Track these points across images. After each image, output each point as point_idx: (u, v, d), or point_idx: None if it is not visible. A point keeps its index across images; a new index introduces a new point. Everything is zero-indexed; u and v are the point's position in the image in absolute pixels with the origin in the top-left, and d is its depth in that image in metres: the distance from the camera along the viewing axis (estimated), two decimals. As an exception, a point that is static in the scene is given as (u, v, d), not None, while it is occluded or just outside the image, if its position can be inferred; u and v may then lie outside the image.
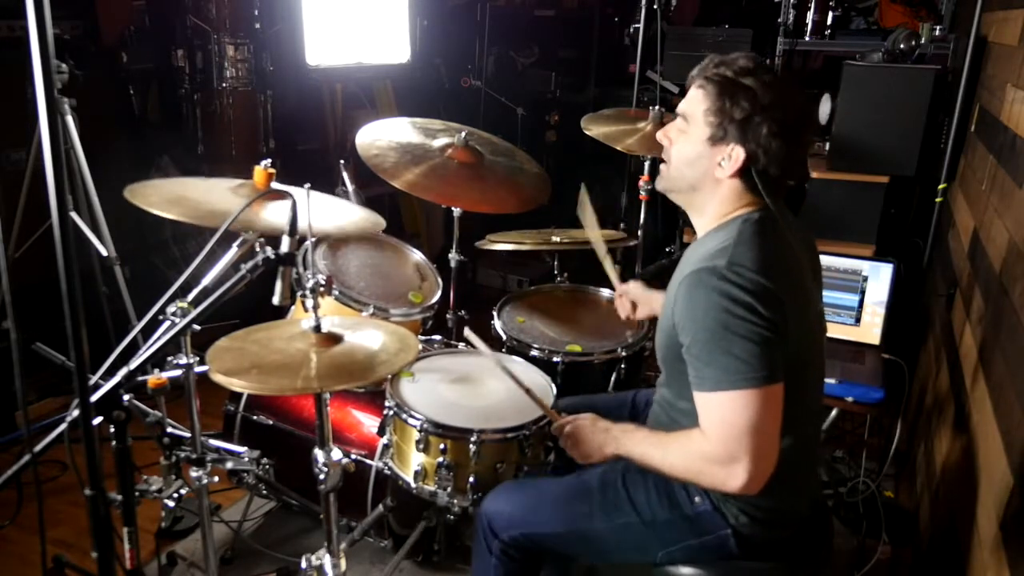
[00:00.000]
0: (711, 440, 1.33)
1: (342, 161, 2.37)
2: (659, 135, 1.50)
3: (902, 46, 3.07)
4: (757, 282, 1.30)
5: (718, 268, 1.31)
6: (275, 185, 1.72)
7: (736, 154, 1.37)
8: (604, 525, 1.53)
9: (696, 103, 1.41)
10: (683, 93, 1.48)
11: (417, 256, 2.46)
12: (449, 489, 1.78)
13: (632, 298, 2.00)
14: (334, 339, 1.49)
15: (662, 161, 1.51)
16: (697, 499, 1.49)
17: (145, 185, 1.68)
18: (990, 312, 1.87)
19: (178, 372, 1.63)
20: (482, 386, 1.97)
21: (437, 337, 2.42)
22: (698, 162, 1.42)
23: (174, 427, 1.65)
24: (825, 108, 3.25)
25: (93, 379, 1.33)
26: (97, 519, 1.29)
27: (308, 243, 1.52)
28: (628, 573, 1.65)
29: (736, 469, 1.30)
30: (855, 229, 2.98)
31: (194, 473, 1.65)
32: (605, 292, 2.55)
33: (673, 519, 1.50)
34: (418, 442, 1.78)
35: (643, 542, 1.52)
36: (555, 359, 2.14)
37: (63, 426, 1.40)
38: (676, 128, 1.46)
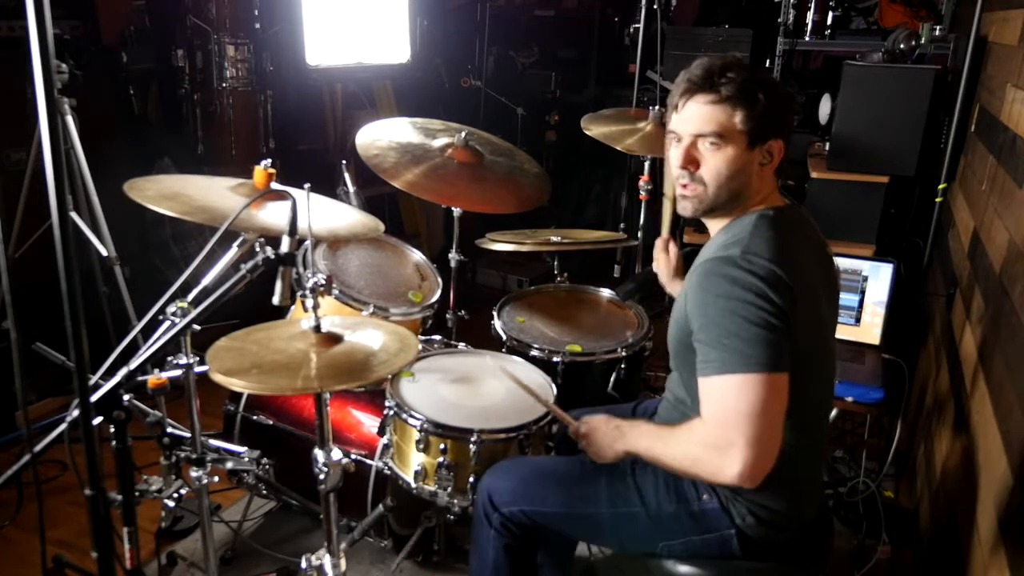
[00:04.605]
0: (707, 424, 1.32)
1: (343, 162, 2.37)
2: (682, 163, 1.42)
3: (902, 46, 3.07)
4: (768, 269, 1.30)
5: (732, 256, 1.32)
6: (275, 185, 1.72)
7: (778, 146, 1.42)
8: (608, 511, 1.53)
9: (724, 115, 1.37)
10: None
11: (417, 256, 2.46)
12: (449, 489, 1.78)
13: (672, 261, 1.94)
14: (334, 339, 1.49)
15: (683, 186, 1.45)
16: (705, 496, 1.49)
17: (144, 180, 1.68)
18: (990, 312, 1.87)
19: (178, 372, 1.63)
20: (482, 386, 1.97)
21: (437, 337, 2.42)
22: (744, 170, 1.40)
23: (174, 427, 1.65)
24: (825, 108, 3.25)
25: (93, 379, 1.33)
26: (97, 519, 1.29)
27: (308, 243, 1.52)
28: (626, 565, 1.65)
29: (731, 456, 1.26)
30: (855, 229, 2.98)
31: (194, 473, 1.66)
32: (605, 292, 2.55)
33: (678, 513, 1.50)
34: (418, 442, 1.78)
35: (645, 533, 1.52)
36: (555, 359, 2.14)
37: (63, 426, 1.40)
38: (706, 148, 1.40)
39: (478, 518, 1.65)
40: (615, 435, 1.52)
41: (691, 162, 1.42)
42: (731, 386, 1.28)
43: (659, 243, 1.99)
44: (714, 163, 1.40)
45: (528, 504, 1.57)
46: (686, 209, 1.47)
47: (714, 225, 1.51)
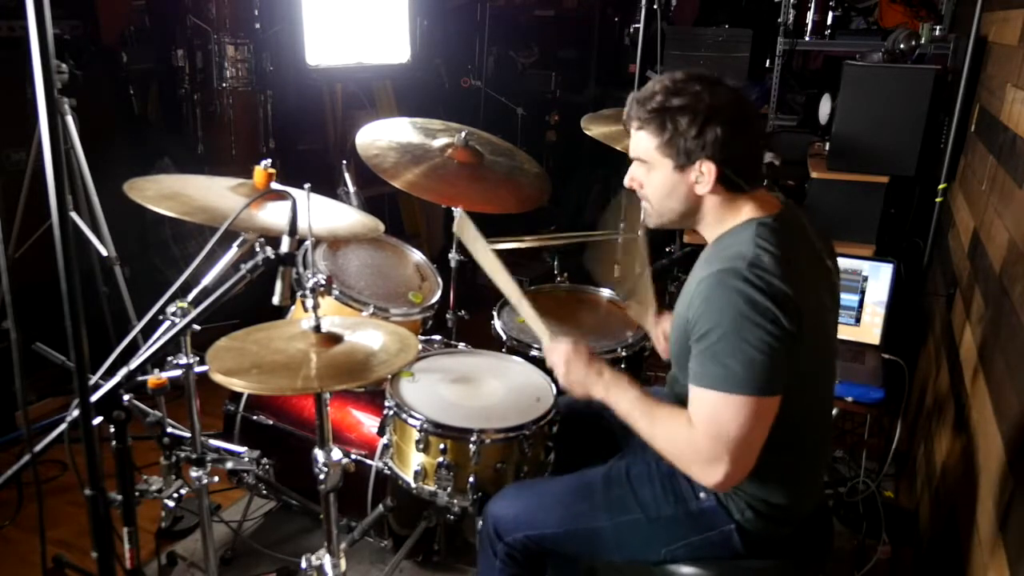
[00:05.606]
0: (698, 434, 1.33)
1: (343, 162, 2.37)
2: (627, 182, 1.52)
3: (902, 46, 3.07)
4: (779, 288, 1.29)
5: (739, 269, 1.31)
6: (275, 185, 1.72)
7: (707, 168, 1.39)
8: (608, 523, 1.53)
9: (645, 144, 1.43)
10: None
11: (417, 256, 2.46)
12: (449, 489, 1.78)
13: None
14: (334, 339, 1.49)
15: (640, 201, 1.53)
16: (702, 495, 1.49)
17: (144, 180, 1.68)
18: (990, 312, 1.87)
19: (178, 372, 1.63)
20: (482, 386, 1.97)
21: (437, 337, 2.42)
22: (676, 190, 1.43)
23: (174, 427, 1.65)
24: (825, 108, 3.25)
25: (93, 379, 1.33)
26: (97, 519, 1.29)
27: (308, 243, 1.52)
28: (630, 572, 1.65)
29: (715, 468, 1.31)
30: (855, 229, 2.98)
31: (194, 473, 1.66)
32: (605, 292, 2.55)
33: (677, 515, 1.50)
34: (418, 442, 1.78)
35: (647, 539, 1.53)
36: (555, 359, 2.14)
37: (63, 426, 1.40)
38: (641, 171, 1.48)
39: (483, 548, 1.65)
40: (594, 380, 1.51)
41: (633, 181, 1.50)
42: (724, 404, 1.30)
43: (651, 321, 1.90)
44: (648, 184, 1.47)
45: (530, 529, 1.57)
46: (650, 221, 1.54)
47: (706, 232, 1.50)
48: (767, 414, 1.31)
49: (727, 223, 1.44)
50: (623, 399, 1.47)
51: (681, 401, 1.52)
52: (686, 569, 1.52)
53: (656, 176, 1.44)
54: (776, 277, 1.30)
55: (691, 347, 1.37)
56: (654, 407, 1.43)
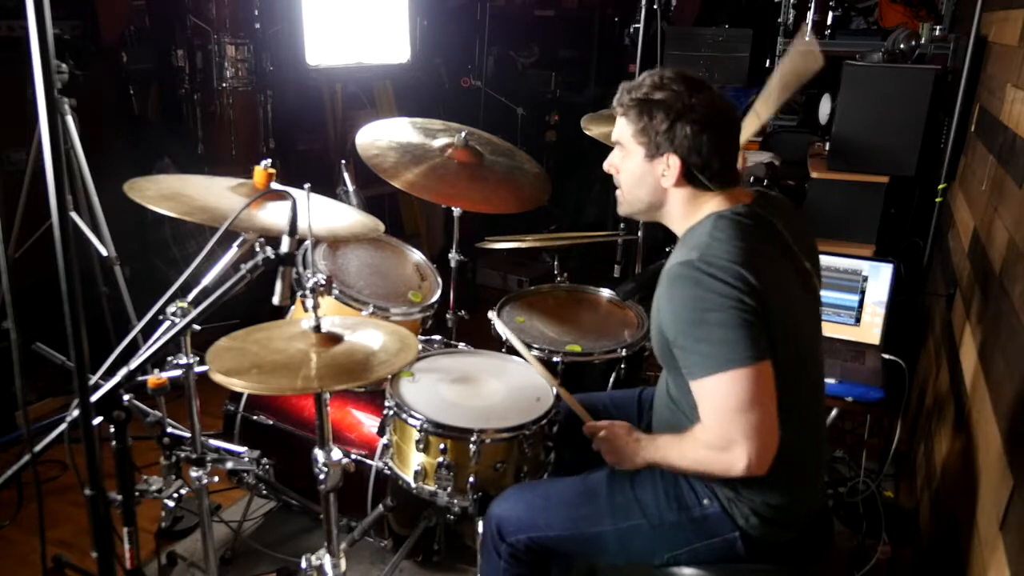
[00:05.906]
0: (708, 427, 1.37)
1: (343, 161, 2.37)
2: (606, 166, 1.59)
3: (902, 46, 3.07)
4: (730, 269, 1.34)
5: (691, 261, 1.36)
6: (275, 185, 1.72)
7: (672, 161, 1.45)
8: (611, 527, 1.54)
9: (624, 129, 1.50)
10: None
11: (417, 256, 2.46)
12: (449, 489, 1.78)
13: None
14: (334, 339, 1.49)
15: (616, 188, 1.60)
16: (706, 501, 1.50)
17: (144, 180, 1.68)
18: (990, 312, 1.87)
19: (178, 372, 1.63)
20: (482, 386, 1.97)
21: (437, 337, 2.42)
22: (644, 179, 1.50)
23: (174, 427, 1.65)
24: (825, 108, 3.25)
25: (93, 379, 1.33)
26: (97, 519, 1.29)
27: (308, 243, 1.52)
28: (632, 573, 1.65)
29: (736, 452, 1.33)
30: (855, 229, 2.98)
31: (194, 473, 1.66)
32: (605, 292, 2.55)
33: (681, 521, 1.51)
34: (418, 442, 1.78)
35: (649, 544, 1.53)
36: (555, 359, 2.14)
37: (63, 426, 1.40)
38: (618, 156, 1.55)
39: (486, 549, 1.66)
40: (636, 447, 1.56)
41: (610, 165, 1.58)
42: (718, 385, 1.33)
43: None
44: (623, 169, 1.54)
45: (534, 531, 1.58)
46: (621, 209, 1.60)
47: (673, 226, 1.56)
48: (762, 381, 1.33)
49: (692, 218, 1.49)
50: (657, 447, 1.52)
51: (674, 401, 1.54)
52: (688, 571, 1.52)
53: (629, 163, 1.51)
54: (728, 260, 1.35)
55: (672, 351, 1.41)
56: (679, 437, 1.48)
